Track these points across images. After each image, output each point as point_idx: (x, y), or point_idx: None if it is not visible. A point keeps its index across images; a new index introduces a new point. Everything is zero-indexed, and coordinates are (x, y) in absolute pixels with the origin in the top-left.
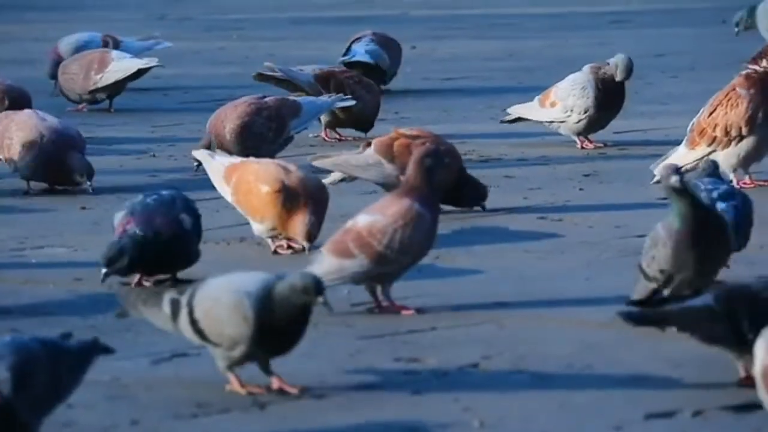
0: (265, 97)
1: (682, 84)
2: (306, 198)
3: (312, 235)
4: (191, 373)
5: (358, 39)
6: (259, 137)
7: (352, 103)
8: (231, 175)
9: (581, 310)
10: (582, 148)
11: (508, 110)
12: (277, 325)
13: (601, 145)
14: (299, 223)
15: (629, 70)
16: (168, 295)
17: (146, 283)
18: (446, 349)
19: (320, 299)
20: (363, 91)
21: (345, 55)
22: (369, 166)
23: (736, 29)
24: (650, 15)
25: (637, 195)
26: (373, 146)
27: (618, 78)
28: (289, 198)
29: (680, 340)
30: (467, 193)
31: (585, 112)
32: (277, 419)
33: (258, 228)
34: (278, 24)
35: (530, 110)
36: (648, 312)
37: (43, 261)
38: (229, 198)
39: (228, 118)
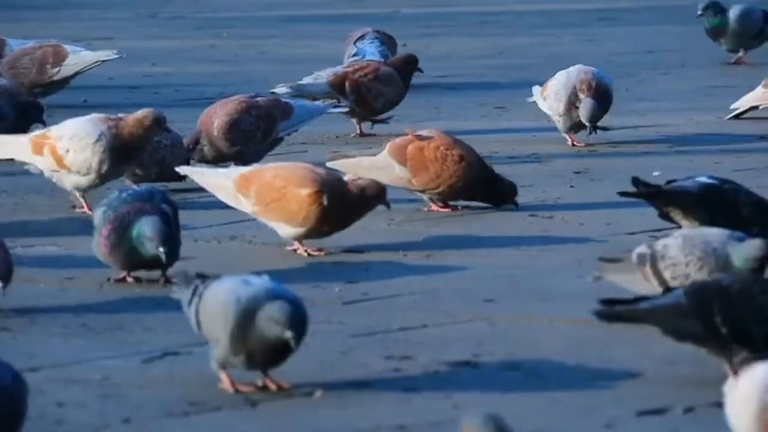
0: (257, 96)
1: (673, 81)
2: (343, 188)
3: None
4: (183, 371)
5: (361, 37)
6: (247, 135)
7: (346, 110)
8: (247, 185)
9: (572, 307)
10: (573, 145)
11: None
12: (252, 344)
13: (592, 142)
14: (374, 187)
15: (594, 117)
16: (194, 281)
17: (129, 279)
18: (437, 347)
19: (288, 334)
20: (380, 86)
21: (355, 54)
22: (380, 169)
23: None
24: (639, 12)
25: None
26: (386, 149)
27: (584, 122)
28: (331, 194)
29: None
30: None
31: (560, 115)
32: (268, 417)
33: (291, 231)
34: (269, 22)
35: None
36: (621, 310)
37: (34, 260)
38: (248, 209)
39: (217, 114)
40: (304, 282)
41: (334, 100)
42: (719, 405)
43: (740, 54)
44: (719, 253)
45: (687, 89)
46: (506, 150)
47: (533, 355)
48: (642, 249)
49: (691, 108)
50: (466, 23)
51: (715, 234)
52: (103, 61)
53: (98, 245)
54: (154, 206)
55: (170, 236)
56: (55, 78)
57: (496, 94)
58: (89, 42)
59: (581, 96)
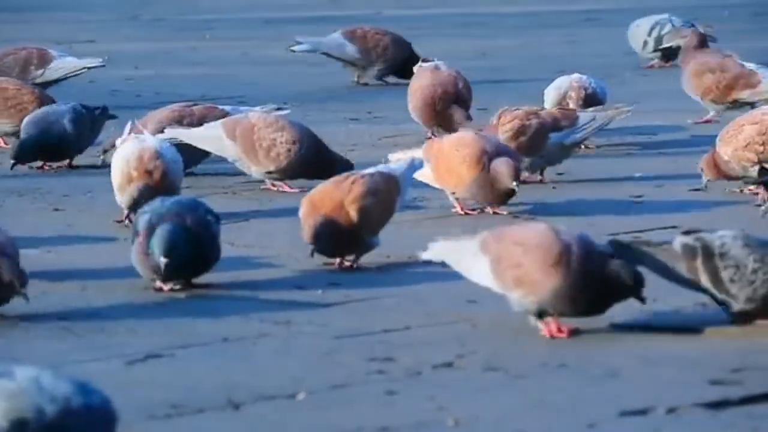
0: (194, 105)
1: (654, 82)
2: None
3: None
4: (165, 373)
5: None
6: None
7: (288, 111)
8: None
9: None
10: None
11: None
12: None
13: None
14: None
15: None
16: None
17: (164, 288)
18: (420, 348)
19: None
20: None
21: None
22: None
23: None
24: (621, 13)
25: (610, 194)
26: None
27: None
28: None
29: (654, 338)
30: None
31: None
32: (251, 419)
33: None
34: (250, 24)
35: None
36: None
37: None
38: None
39: (150, 121)
40: (286, 284)
41: (276, 105)
42: (701, 405)
43: (653, 62)
44: None
45: (668, 90)
46: None
47: (516, 356)
48: (688, 240)
49: (672, 109)
50: (449, 25)
51: None
52: (89, 68)
53: (134, 251)
54: (198, 217)
55: (179, 248)
56: (38, 80)
57: (479, 96)
58: (70, 45)
59: (571, 105)
